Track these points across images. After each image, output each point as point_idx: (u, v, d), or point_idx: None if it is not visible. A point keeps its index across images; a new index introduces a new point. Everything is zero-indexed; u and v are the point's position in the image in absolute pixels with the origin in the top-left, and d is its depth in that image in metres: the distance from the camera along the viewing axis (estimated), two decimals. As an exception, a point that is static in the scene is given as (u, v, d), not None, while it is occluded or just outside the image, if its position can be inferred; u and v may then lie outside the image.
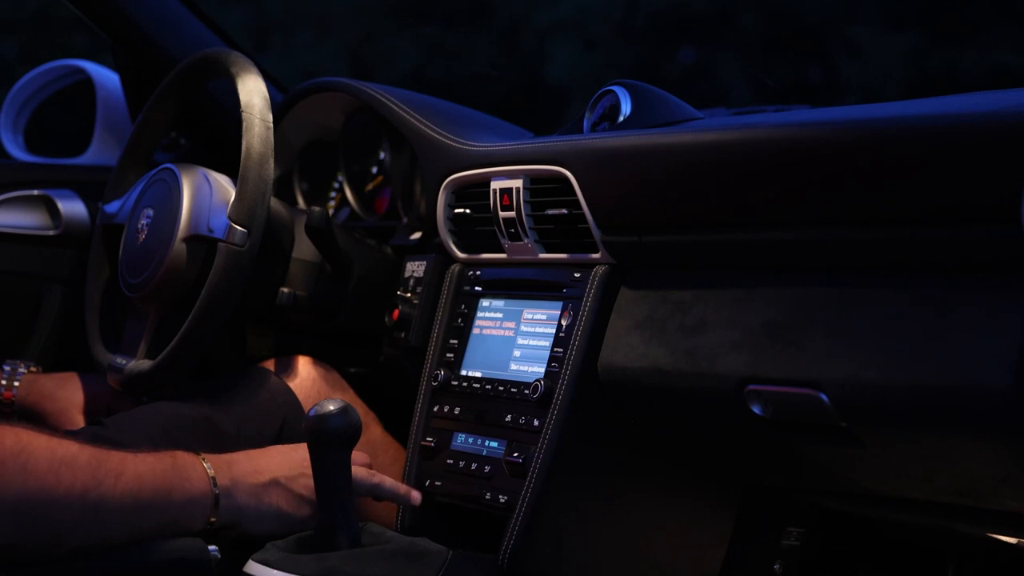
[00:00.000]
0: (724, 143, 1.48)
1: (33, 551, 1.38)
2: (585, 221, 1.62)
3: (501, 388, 1.67)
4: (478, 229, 1.78)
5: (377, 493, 1.68)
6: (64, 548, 1.40)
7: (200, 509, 1.51)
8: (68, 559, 1.41)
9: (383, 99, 1.95)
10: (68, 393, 1.92)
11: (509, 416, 1.65)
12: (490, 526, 1.62)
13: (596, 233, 1.61)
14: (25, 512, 1.36)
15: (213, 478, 1.53)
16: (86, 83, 2.49)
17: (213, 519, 1.52)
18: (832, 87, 6.66)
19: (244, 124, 1.77)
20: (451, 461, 1.69)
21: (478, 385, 1.71)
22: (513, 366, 1.68)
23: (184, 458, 1.54)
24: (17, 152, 2.54)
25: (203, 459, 1.55)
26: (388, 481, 1.69)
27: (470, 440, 1.69)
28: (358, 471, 1.63)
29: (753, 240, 1.44)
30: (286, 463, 1.61)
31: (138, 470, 1.46)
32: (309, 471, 1.57)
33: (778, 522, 1.77)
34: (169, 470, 1.50)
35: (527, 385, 1.63)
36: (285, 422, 1.79)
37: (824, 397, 1.34)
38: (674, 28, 7.13)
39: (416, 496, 1.71)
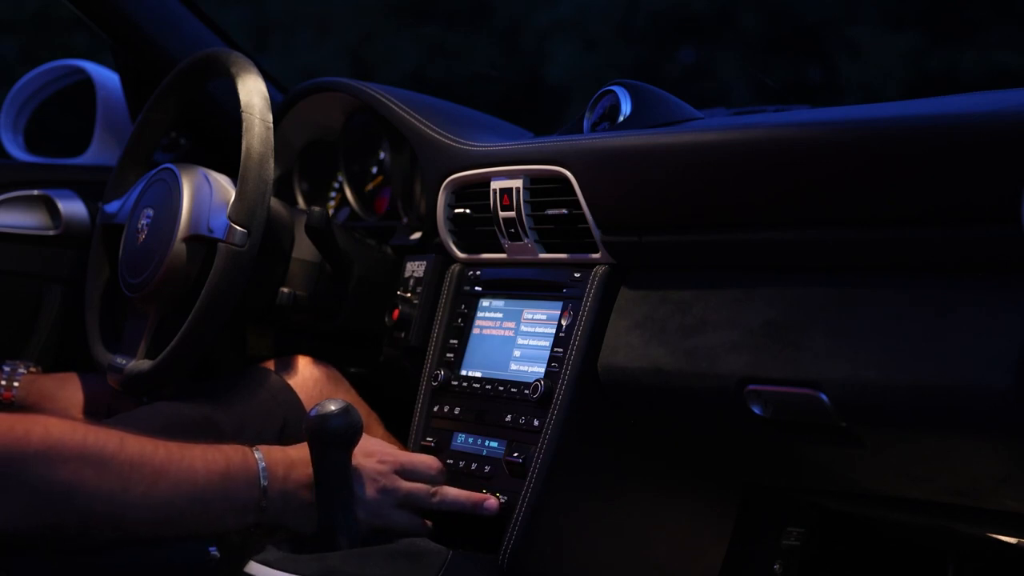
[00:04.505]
0: (724, 143, 1.48)
1: (54, 542, 1.38)
2: (585, 221, 1.62)
3: (501, 388, 1.67)
4: (478, 229, 1.78)
5: (443, 508, 1.62)
6: (86, 543, 1.40)
7: (240, 518, 1.50)
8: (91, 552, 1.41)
9: (383, 99, 1.95)
10: (68, 393, 1.92)
11: (509, 416, 1.65)
12: (490, 526, 1.62)
13: (596, 233, 1.61)
14: (46, 507, 1.36)
15: (264, 487, 1.50)
16: (86, 83, 2.49)
17: (253, 524, 1.51)
18: (832, 87, 6.66)
19: (244, 124, 1.77)
20: (451, 461, 1.69)
21: (478, 385, 1.71)
22: (513, 366, 1.68)
23: (236, 462, 1.50)
24: (17, 152, 2.54)
25: (259, 458, 1.51)
26: (451, 493, 1.62)
27: (470, 440, 1.69)
28: (417, 488, 1.60)
29: (753, 240, 1.45)
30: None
31: (178, 477, 1.44)
32: (376, 478, 1.56)
33: (778, 522, 1.77)
34: (216, 480, 1.48)
35: (527, 385, 1.63)
36: (286, 422, 1.79)
37: (824, 397, 1.34)
38: (674, 28, 7.13)
39: (492, 503, 1.61)
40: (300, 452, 1.56)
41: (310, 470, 1.54)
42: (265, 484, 1.51)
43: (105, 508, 1.40)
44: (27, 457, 1.35)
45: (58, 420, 1.40)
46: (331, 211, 2.26)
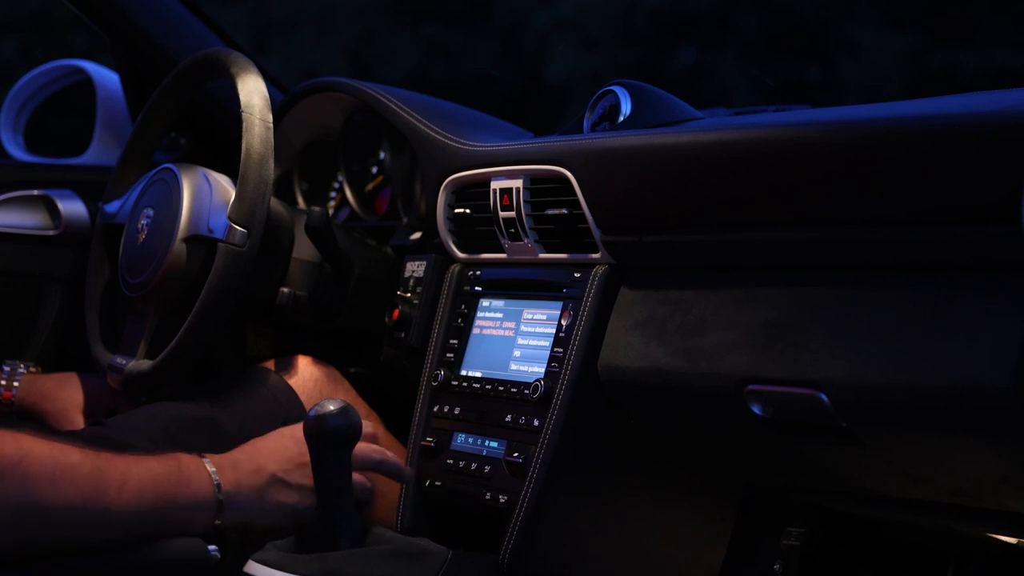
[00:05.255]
0: (724, 143, 1.48)
1: (31, 554, 1.38)
2: (585, 221, 1.62)
3: (501, 388, 1.67)
4: (478, 229, 1.78)
5: (382, 469, 1.67)
6: (64, 549, 1.40)
7: (204, 514, 1.51)
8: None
9: (383, 99, 1.95)
10: (68, 393, 1.92)
11: (509, 416, 1.65)
12: (490, 526, 1.62)
13: (596, 233, 1.61)
14: (25, 521, 1.36)
15: (217, 483, 1.53)
16: (86, 83, 2.49)
17: (219, 521, 1.52)
18: (832, 87, 6.65)
19: (244, 124, 1.77)
20: (451, 461, 1.69)
21: (478, 385, 1.71)
22: (513, 366, 1.68)
23: (188, 462, 1.53)
24: (17, 152, 2.54)
25: (206, 461, 1.54)
26: (391, 456, 1.68)
27: (470, 440, 1.69)
28: (363, 447, 1.63)
29: (753, 240, 1.44)
30: (283, 456, 1.61)
31: (141, 478, 1.46)
32: (304, 459, 1.57)
33: (778, 522, 1.77)
34: (173, 475, 1.50)
35: (527, 385, 1.63)
36: (286, 422, 1.78)
37: (824, 397, 1.34)
38: (674, 28, 7.12)
39: (408, 473, 1.71)
40: (240, 452, 1.59)
41: (251, 463, 1.57)
42: (216, 478, 1.53)
43: (80, 517, 1.40)
44: (3, 473, 1.35)
45: (27, 435, 1.40)
46: (331, 211, 2.26)
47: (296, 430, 1.63)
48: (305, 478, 1.60)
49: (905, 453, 1.40)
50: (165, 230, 1.80)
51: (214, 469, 1.54)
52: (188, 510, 1.50)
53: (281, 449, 1.61)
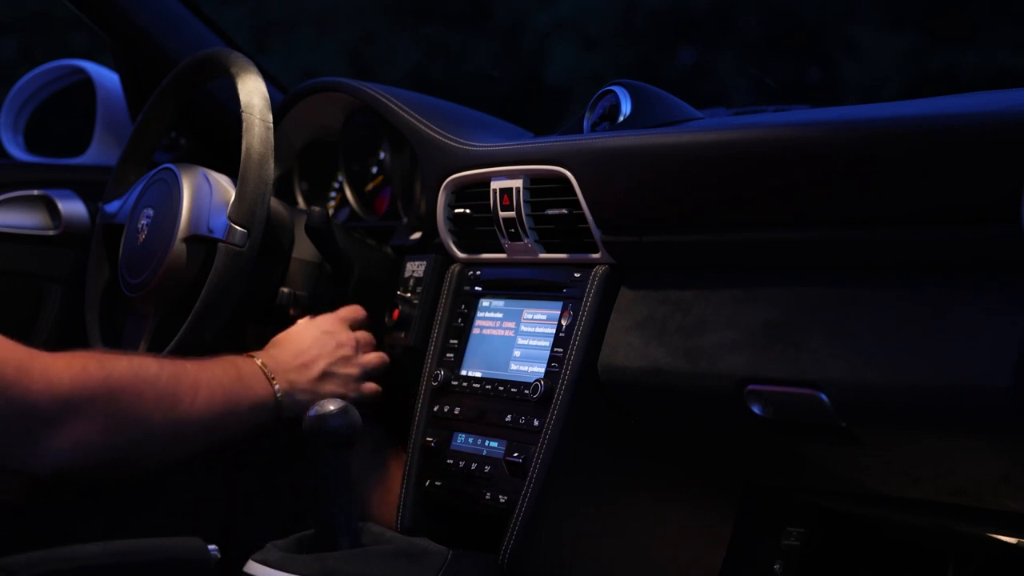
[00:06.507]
0: (724, 143, 1.48)
1: (121, 471, 1.44)
2: (585, 221, 1.62)
3: (501, 388, 1.67)
4: (478, 229, 1.78)
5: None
6: (147, 466, 1.48)
7: (265, 414, 1.63)
8: (150, 478, 1.53)
9: (383, 99, 1.95)
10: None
11: (509, 416, 1.65)
12: (490, 526, 1.62)
13: (596, 233, 1.61)
14: (115, 435, 1.43)
15: (273, 383, 1.64)
16: (86, 83, 2.49)
17: (275, 421, 1.64)
18: (832, 87, 6.65)
19: (244, 124, 1.77)
20: (451, 461, 1.69)
21: (478, 385, 1.71)
22: (513, 366, 1.68)
23: (244, 366, 1.64)
24: (17, 152, 2.54)
25: (262, 365, 1.65)
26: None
27: (470, 440, 1.69)
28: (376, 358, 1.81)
29: (753, 240, 1.44)
30: (327, 352, 1.73)
31: (211, 385, 1.55)
32: (344, 351, 1.73)
33: (778, 522, 1.77)
34: (236, 381, 1.60)
35: (527, 385, 1.63)
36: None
37: (824, 397, 1.34)
38: (674, 28, 7.12)
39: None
40: (284, 352, 1.70)
41: (297, 360, 1.69)
42: (273, 379, 1.64)
43: (163, 427, 1.48)
44: (92, 390, 1.41)
45: (107, 353, 1.50)
46: (331, 211, 2.26)
47: (325, 321, 1.77)
48: (351, 367, 1.74)
49: (905, 453, 1.40)
50: (165, 230, 1.80)
51: (268, 369, 1.64)
52: (251, 410, 1.61)
53: (323, 345, 1.73)
